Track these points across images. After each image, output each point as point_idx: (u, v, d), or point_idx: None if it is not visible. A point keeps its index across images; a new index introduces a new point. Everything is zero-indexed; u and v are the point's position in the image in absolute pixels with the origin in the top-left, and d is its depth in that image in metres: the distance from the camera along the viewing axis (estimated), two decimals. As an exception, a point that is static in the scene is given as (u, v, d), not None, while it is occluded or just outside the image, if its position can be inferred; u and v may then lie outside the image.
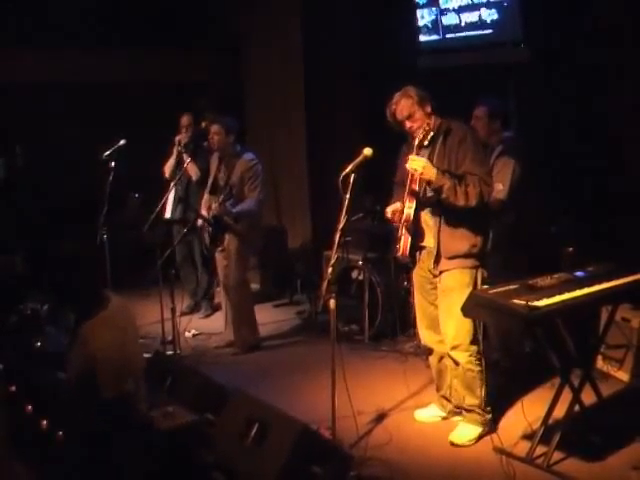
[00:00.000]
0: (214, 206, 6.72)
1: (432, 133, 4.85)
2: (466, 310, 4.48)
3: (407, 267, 6.55)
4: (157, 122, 8.17)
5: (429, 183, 4.79)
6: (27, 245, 7.64)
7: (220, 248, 6.83)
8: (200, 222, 6.88)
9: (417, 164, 4.75)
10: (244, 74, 9.86)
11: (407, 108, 4.86)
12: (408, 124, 4.89)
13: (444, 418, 5.32)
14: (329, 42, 8.66)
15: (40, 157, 8.77)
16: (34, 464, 3.70)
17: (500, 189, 5.60)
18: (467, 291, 4.77)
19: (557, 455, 4.57)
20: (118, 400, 3.58)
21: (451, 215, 4.82)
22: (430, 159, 4.86)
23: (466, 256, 4.85)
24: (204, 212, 6.85)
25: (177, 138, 7.65)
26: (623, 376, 5.82)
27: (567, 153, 6.64)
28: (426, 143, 4.87)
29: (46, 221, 8.21)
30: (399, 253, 5.05)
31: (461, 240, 4.84)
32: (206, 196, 6.94)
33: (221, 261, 6.93)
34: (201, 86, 9.77)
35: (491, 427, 5.03)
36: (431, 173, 4.71)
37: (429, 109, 4.90)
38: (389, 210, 5.03)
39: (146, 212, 6.94)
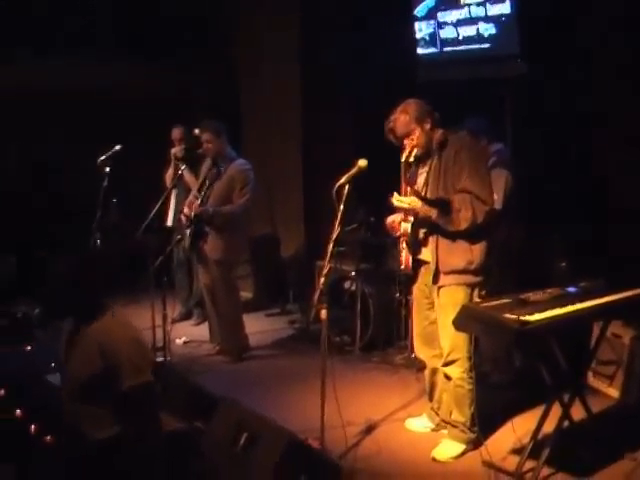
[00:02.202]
0: (196, 203, 6.68)
1: (416, 150, 4.82)
2: (457, 323, 4.48)
3: (399, 278, 6.63)
4: (152, 134, 8.17)
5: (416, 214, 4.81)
6: (19, 248, 7.63)
7: (202, 253, 6.79)
8: (183, 219, 6.83)
9: (400, 204, 4.78)
10: (241, 86, 9.85)
11: (404, 126, 4.83)
12: (407, 142, 4.86)
13: (433, 430, 5.31)
14: (327, 55, 8.66)
15: (37, 163, 8.75)
16: (21, 468, 3.69)
17: (495, 199, 5.63)
18: None
19: (546, 470, 4.56)
20: (141, 390, 3.59)
21: (447, 232, 4.80)
22: (427, 178, 4.88)
23: (462, 272, 4.81)
24: (186, 210, 6.76)
25: (173, 151, 7.68)
26: (613, 392, 5.82)
27: (563, 167, 6.66)
28: (411, 159, 4.84)
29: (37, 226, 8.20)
30: (402, 267, 5.07)
31: (458, 256, 4.81)
32: (190, 196, 6.93)
33: (201, 268, 6.94)
34: (197, 99, 9.75)
35: (475, 445, 4.99)
36: (417, 208, 4.73)
37: (429, 125, 4.84)
38: (389, 220, 5.04)
39: (128, 217, 6.94)
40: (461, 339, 4.85)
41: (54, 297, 3.71)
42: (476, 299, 4.82)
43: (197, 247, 6.81)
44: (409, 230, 4.92)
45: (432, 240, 4.88)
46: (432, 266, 4.89)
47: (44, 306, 4.01)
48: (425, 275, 5.02)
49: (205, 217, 6.63)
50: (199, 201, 6.67)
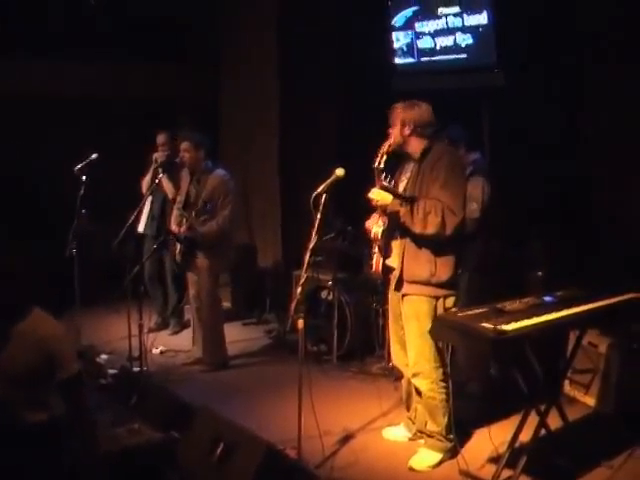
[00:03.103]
0: (184, 223, 6.70)
1: (385, 157, 4.83)
2: (434, 332, 4.49)
3: (377, 288, 6.64)
4: (135, 138, 8.16)
5: (385, 209, 4.82)
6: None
7: (192, 265, 6.80)
8: (171, 239, 6.86)
9: (374, 195, 4.82)
10: (219, 91, 9.85)
11: (394, 118, 4.92)
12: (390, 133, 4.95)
13: (411, 439, 5.30)
14: (305, 61, 8.68)
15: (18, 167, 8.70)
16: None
17: (474, 208, 5.69)
18: (425, 320, 4.78)
19: (523, 479, 4.55)
20: (74, 380, 3.63)
21: (415, 239, 4.80)
22: (407, 184, 4.92)
23: (424, 284, 4.81)
24: (174, 228, 6.83)
25: (155, 155, 7.65)
26: (589, 401, 5.85)
27: (539, 176, 6.70)
28: (381, 166, 4.82)
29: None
30: (372, 270, 5.11)
31: (422, 266, 4.80)
32: (176, 212, 6.92)
33: (192, 278, 6.90)
34: (177, 102, 9.74)
35: (453, 454, 4.98)
36: (386, 200, 4.76)
37: (408, 131, 4.87)
38: (367, 223, 5.06)
39: (104, 223, 6.90)
40: (426, 350, 4.86)
41: None
42: (441, 311, 4.81)
43: (188, 261, 6.82)
44: (379, 235, 4.95)
45: (399, 246, 4.90)
46: (396, 273, 4.90)
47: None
48: (394, 283, 5.03)
49: (195, 239, 6.66)
50: (186, 221, 6.69)
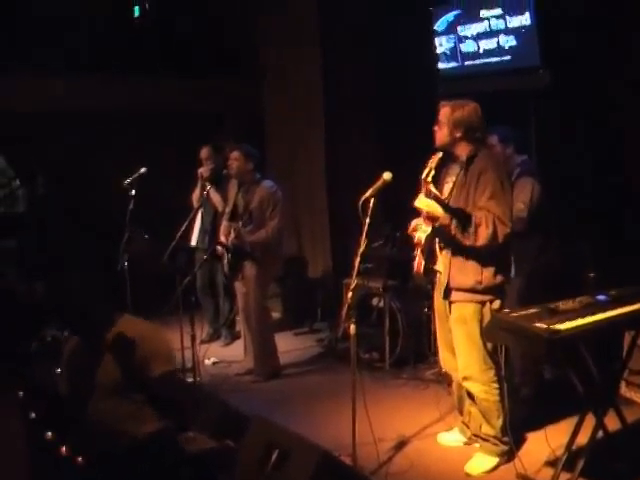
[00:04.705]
0: (232, 234, 6.74)
1: (433, 172, 4.81)
2: (487, 334, 4.45)
3: (426, 292, 6.60)
4: (182, 153, 8.24)
5: (432, 218, 4.79)
6: (47, 274, 7.66)
7: (240, 275, 6.84)
8: (220, 249, 6.91)
9: (422, 204, 4.78)
10: (265, 105, 9.91)
11: (442, 116, 4.86)
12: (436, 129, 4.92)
13: (466, 444, 5.27)
14: (348, 72, 8.71)
15: (59, 186, 8.82)
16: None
17: (521, 208, 5.62)
18: (472, 324, 4.78)
19: (581, 482, 4.51)
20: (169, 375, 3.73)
21: (461, 247, 4.76)
22: (452, 188, 4.88)
23: (470, 291, 4.80)
24: (223, 239, 6.87)
25: (200, 171, 7.74)
26: (648, 403, 5.75)
27: (590, 178, 6.63)
28: (429, 179, 4.80)
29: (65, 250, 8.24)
30: (415, 270, 5.08)
31: (467, 274, 4.78)
32: (225, 223, 6.97)
33: (240, 288, 6.94)
34: (222, 117, 9.83)
35: (509, 457, 4.94)
36: (437, 214, 4.71)
37: (458, 134, 4.82)
38: (412, 223, 5.03)
39: (148, 242, 6.99)
40: (475, 353, 4.83)
41: (76, 313, 3.76)
42: (487, 314, 4.77)
43: (236, 271, 6.86)
44: (422, 240, 4.92)
45: (445, 256, 4.88)
46: (443, 280, 4.88)
47: (68, 325, 4.04)
48: (439, 287, 5.02)
49: (242, 247, 6.69)
50: (233, 231, 6.74)
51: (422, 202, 4.79)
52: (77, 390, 3.80)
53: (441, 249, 4.95)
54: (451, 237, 4.72)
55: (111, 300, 3.80)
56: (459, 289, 4.82)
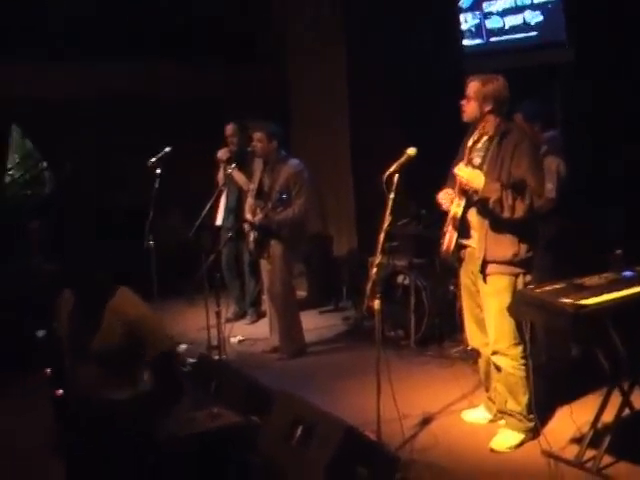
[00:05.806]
0: (259, 212, 6.75)
1: (485, 137, 4.82)
2: (513, 309, 4.44)
3: (453, 270, 6.57)
4: (201, 136, 8.24)
5: (476, 192, 4.76)
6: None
7: (266, 254, 6.85)
8: (246, 227, 6.92)
9: (463, 173, 4.75)
10: (290, 86, 9.90)
11: (473, 91, 4.83)
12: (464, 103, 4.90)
13: (491, 420, 5.27)
14: (373, 51, 8.66)
15: (84, 169, 8.86)
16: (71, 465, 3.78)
17: (550, 188, 5.58)
18: (506, 296, 4.75)
19: (607, 459, 4.49)
20: (166, 356, 3.76)
21: (498, 220, 4.75)
22: (483, 161, 4.84)
23: (507, 263, 4.78)
24: (249, 216, 6.89)
25: (218, 154, 7.69)
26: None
27: (614, 152, 6.57)
28: (479, 146, 4.84)
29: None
30: (444, 248, 5.04)
31: (505, 247, 4.77)
32: (250, 200, 6.97)
33: (265, 267, 6.95)
34: (247, 99, 9.82)
35: (534, 434, 4.93)
36: (478, 184, 4.69)
37: (488, 108, 4.80)
38: (440, 195, 5.01)
39: (187, 224, 7.02)
40: (506, 326, 4.82)
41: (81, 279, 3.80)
42: (520, 287, 4.77)
43: (262, 249, 6.88)
44: (459, 214, 4.89)
45: (481, 229, 4.84)
46: (479, 254, 4.85)
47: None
48: (470, 262, 4.99)
49: (270, 227, 6.71)
50: (260, 210, 6.75)
51: (463, 170, 4.78)
52: (69, 352, 3.85)
53: (475, 223, 4.91)
54: (489, 210, 4.70)
55: (111, 270, 3.83)
56: (495, 261, 4.80)
